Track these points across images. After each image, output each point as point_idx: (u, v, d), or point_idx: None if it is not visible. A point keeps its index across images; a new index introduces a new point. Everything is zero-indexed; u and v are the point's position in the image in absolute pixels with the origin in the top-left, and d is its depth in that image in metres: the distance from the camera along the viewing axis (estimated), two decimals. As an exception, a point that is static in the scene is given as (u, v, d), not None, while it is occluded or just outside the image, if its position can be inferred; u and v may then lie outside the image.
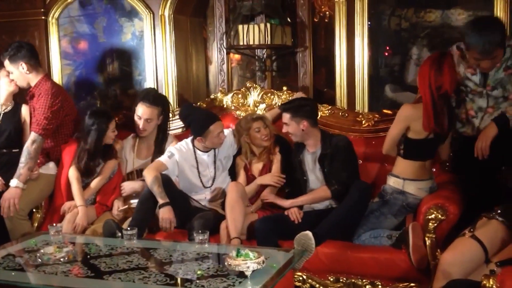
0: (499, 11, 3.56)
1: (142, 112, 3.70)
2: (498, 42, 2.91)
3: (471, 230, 2.53)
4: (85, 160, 3.62)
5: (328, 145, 3.41)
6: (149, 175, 3.40)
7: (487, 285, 1.95)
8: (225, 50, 4.54)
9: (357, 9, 3.97)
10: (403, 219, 3.27)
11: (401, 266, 2.97)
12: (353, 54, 4.03)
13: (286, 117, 3.44)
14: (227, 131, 3.70)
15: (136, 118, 3.74)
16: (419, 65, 3.98)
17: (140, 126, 3.72)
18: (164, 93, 4.26)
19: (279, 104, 3.90)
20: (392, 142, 3.25)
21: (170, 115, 3.98)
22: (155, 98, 3.78)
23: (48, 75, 4.00)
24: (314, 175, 3.48)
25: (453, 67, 3.09)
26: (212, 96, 4.19)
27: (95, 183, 3.66)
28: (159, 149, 3.76)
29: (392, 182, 3.25)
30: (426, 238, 2.96)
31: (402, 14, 4.05)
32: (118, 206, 3.62)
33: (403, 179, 3.21)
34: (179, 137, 3.89)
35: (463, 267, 2.41)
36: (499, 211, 2.59)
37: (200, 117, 3.58)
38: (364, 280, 3.10)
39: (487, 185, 3.08)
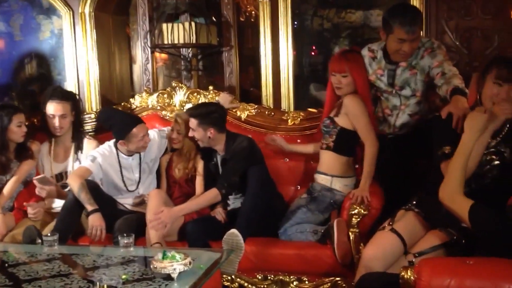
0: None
1: (54, 109, 3.58)
2: (419, 21, 3.06)
3: (390, 223, 2.63)
4: None
5: (231, 149, 3.38)
6: (74, 182, 3.28)
7: (405, 276, 2.02)
8: (149, 49, 4.46)
9: (280, 9, 4.02)
10: (328, 215, 3.34)
11: (326, 262, 3.03)
12: (278, 53, 4.08)
13: (193, 123, 3.34)
14: (153, 133, 3.63)
15: (49, 118, 3.61)
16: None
17: (56, 124, 3.59)
18: (86, 94, 4.17)
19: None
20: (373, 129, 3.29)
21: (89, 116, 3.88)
22: (63, 93, 3.68)
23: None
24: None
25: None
26: (131, 100, 4.12)
27: (9, 185, 3.45)
28: (77, 146, 3.67)
29: (321, 179, 3.30)
30: (350, 233, 3.04)
31: (324, 15, 4.15)
32: (31, 209, 3.43)
33: (331, 176, 3.27)
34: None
35: (384, 260, 2.49)
36: (414, 202, 2.70)
37: (122, 120, 3.49)
38: (291, 277, 3.14)
39: (403, 178, 3.22)
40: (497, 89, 2.42)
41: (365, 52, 3.31)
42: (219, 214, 3.30)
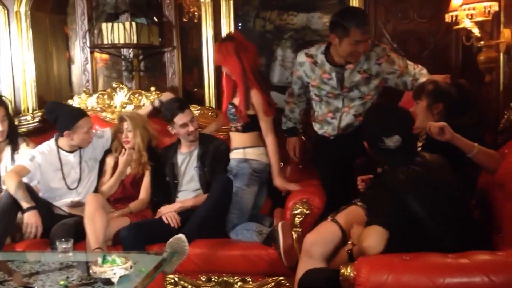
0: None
1: None
2: (369, 20, 3.17)
3: (333, 215, 2.70)
4: None
5: (208, 144, 3.45)
6: (11, 180, 3.18)
7: (345, 273, 2.06)
8: (88, 49, 4.35)
9: (223, 10, 4.02)
10: (262, 195, 3.43)
11: (270, 262, 3.05)
12: (220, 54, 4.07)
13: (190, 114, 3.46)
14: (94, 133, 3.58)
15: None
16: (283, 66, 4.16)
17: (0, 128, 3.51)
18: (22, 95, 4.07)
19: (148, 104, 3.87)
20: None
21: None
22: None
23: None
24: (188, 176, 3.46)
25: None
26: (70, 102, 4.02)
27: None
28: (13, 148, 3.58)
29: (234, 154, 3.39)
30: (293, 233, 3.07)
31: (266, 17, 4.18)
32: None
33: (242, 148, 3.37)
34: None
35: (324, 247, 2.57)
36: (358, 199, 2.77)
37: (69, 111, 3.49)
38: (235, 278, 3.14)
39: (346, 177, 3.28)
40: (414, 107, 2.83)
41: (302, 58, 3.29)
42: (171, 219, 3.25)
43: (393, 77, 3.21)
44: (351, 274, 2.05)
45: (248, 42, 3.42)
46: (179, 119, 3.37)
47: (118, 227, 3.18)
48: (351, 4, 3.90)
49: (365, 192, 2.79)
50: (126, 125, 3.52)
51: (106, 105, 3.96)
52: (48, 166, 3.42)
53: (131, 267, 2.31)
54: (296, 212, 3.09)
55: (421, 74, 3.18)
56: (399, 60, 3.22)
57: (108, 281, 2.28)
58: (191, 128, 3.40)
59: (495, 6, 3.16)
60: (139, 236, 3.09)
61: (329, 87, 3.27)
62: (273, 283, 3.11)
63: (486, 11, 3.16)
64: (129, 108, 3.92)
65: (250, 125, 3.37)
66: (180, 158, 3.49)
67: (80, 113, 3.47)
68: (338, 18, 3.07)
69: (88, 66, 4.39)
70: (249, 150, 3.36)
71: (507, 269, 1.97)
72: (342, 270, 2.07)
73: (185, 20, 4.30)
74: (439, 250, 2.13)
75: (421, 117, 2.78)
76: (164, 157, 3.53)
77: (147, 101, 3.91)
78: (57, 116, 3.45)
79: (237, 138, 3.42)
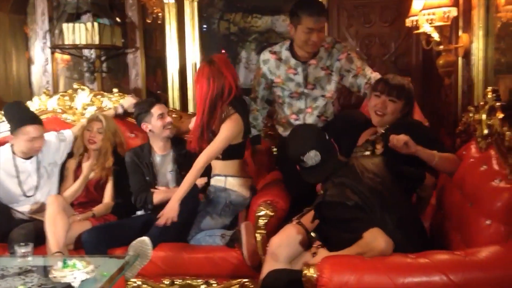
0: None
1: None
2: (325, 12, 3.18)
3: (298, 218, 2.72)
4: None
5: (181, 147, 3.41)
6: None
7: (308, 274, 2.07)
8: (49, 50, 4.27)
9: (186, 11, 4.01)
10: (233, 218, 3.34)
11: (234, 264, 3.04)
12: (184, 56, 4.06)
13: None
14: (50, 135, 3.47)
15: None
16: (248, 68, 4.16)
17: None
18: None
19: (112, 106, 3.81)
20: (216, 155, 3.18)
21: None
22: None
23: None
24: (164, 179, 3.42)
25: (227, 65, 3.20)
26: (29, 103, 3.90)
27: None
28: None
29: (215, 181, 3.28)
30: (257, 234, 3.06)
31: (230, 19, 4.19)
32: None
33: (224, 176, 3.26)
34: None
35: (289, 249, 2.56)
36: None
37: (18, 114, 3.31)
38: (199, 280, 3.12)
39: (306, 182, 3.31)
40: (375, 100, 2.79)
41: (266, 55, 3.31)
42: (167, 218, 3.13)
43: (349, 75, 3.25)
44: (314, 275, 2.06)
45: (229, 70, 3.18)
46: (158, 108, 3.34)
47: (80, 231, 3.12)
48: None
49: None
50: (99, 125, 3.44)
51: (67, 107, 3.89)
52: (3, 173, 3.31)
53: (92, 271, 2.28)
54: (260, 214, 3.08)
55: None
56: (358, 61, 3.27)
57: (68, 286, 2.23)
58: (168, 119, 3.36)
59: (453, 12, 3.24)
60: (101, 239, 3.03)
61: (294, 84, 3.29)
62: (237, 285, 3.10)
63: (445, 16, 3.23)
64: (91, 110, 3.86)
65: (232, 152, 3.24)
66: (157, 159, 3.44)
67: (28, 119, 3.27)
68: (293, 6, 3.16)
69: (49, 67, 4.31)
70: (231, 179, 3.24)
71: (465, 268, 2.02)
72: (305, 271, 2.08)
73: (149, 21, 4.27)
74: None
75: (393, 116, 2.75)
76: (137, 158, 3.44)
77: (110, 102, 3.85)
78: (9, 117, 3.32)
79: (218, 165, 3.28)
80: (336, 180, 2.46)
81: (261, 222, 3.07)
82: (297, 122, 3.35)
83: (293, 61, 3.25)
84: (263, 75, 3.35)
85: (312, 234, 2.58)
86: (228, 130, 3.11)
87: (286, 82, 3.30)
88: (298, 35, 3.13)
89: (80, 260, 2.30)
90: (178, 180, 3.36)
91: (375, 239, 2.14)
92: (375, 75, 3.21)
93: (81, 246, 3.07)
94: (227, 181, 3.25)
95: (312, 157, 2.45)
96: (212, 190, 3.27)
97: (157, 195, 3.28)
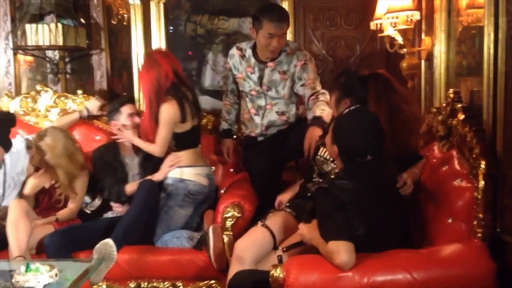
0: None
1: None
2: (287, 18, 3.20)
3: (263, 220, 2.73)
4: None
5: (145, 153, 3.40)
6: None
7: (275, 274, 2.09)
8: (11, 51, 4.18)
9: (153, 13, 3.98)
10: (199, 214, 3.35)
11: (201, 266, 3.04)
12: (150, 58, 4.03)
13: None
14: (19, 143, 3.37)
15: None
16: (215, 70, 4.17)
17: None
18: None
19: (75, 108, 3.77)
20: (166, 143, 3.28)
21: None
22: None
23: None
24: (132, 179, 3.42)
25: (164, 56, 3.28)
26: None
27: None
28: None
29: (171, 173, 3.30)
30: (224, 236, 3.06)
31: (197, 21, 4.18)
32: None
33: (180, 167, 3.29)
34: None
35: (255, 251, 2.57)
36: (287, 204, 2.82)
37: None
38: (165, 283, 3.10)
39: (276, 181, 3.33)
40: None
41: (233, 51, 3.43)
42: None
43: (299, 83, 3.30)
44: (281, 275, 2.08)
45: (165, 58, 3.25)
46: (128, 108, 3.41)
47: (42, 235, 3.06)
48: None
49: (294, 200, 2.84)
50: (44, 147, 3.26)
51: (30, 109, 3.82)
52: None
53: (56, 275, 2.25)
54: (227, 215, 3.09)
55: (319, 98, 3.19)
56: (312, 73, 3.31)
57: (31, 291, 2.19)
58: (137, 120, 3.39)
59: (416, 15, 3.30)
60: (64, 243, 2.99)
61: (252, 82, 3.36)
62: (204, 287, 3.10)
63: (408, 19, 3.29)
64: (55, 112, 3.79)
65: (184, 141, 3.31)
66: (126, 159, 3.45)
67: None
68: (256, 11, 3.23)
69: (11, 68, 4.21)
70: (187, 169, 3.28)
71: (427, 266, 2.06)
72: (272, 271, 2.10)
73: (114, 23, 4.21)
74: None
75: (335, 108, 2.74)
76: (107, 155, 3.44)
77: (74, 104, 3.80)
78: None
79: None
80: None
81: (228, 223, 3.08)
82: (257, 117, 3.41)
83: (253, 60, 3.35)
84: (230, 69, 3.47)
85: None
86: (162, 116, 3.19)
87: (246, 79, 3.39)
88: (259, 39, 3.21)
89: (44, 264, 2.26)
90: None
91: (337, 252, 2.04)
92: (322, 93, 3.23)
93: (43, 251, 3.02)
94: (183, 171, 3.28)
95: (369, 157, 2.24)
96: (170, 183, 3.29)
97: (131, 187, 3.30)
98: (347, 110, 2.57)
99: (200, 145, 3.44)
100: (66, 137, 3.35)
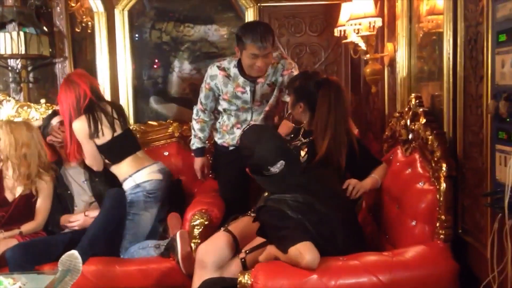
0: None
1: None
2: (270, 37, 3.08)
3: (226, 225, 2.73)
4: None
5: None
6: None
7: (243, 281, 2.09)
8: (-28, 60, 4.09)
9: (117, 20, 3.95)
10: (162, 215, 3.34)
11: (168, 274, 3.01)
12: (115, 66, 4.01)
13: None
14: None
15: None
16: (181, 77, 4.15)
17: None
18: None
19: (40, 117, 3.74)
20: (94, 155, 3.32)
21: None
22: None
23: None
24: (80, 188, 3.39)
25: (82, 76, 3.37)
26: None
27: None
28: None
29: (125, 185, 3.31)
30: (192, 244, 3.05)
31: (162, 28, 4.16)
32: None
33: (129, 176, 3.31)
34: None
35: (216, 256, 2.56)
36: (252, 210, 2.82)
37: None
38: (133, 293, 3.07)
39: (244, 188, 3.33)
40: None
41: (215, 71, 3.27)
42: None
43: (285, 92, 3.26)
44: (249, 282, 2.08)
45: (82, 78, 3.36)
46: (57, 117, 3.45)
47: (4, 248, 2.98)
48: (246, 19, 4.00)
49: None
50: None
51: (-8, 118, 3.74)
52: None
53: (19, 288, 2.20)
54: (195, 223, 3.08)
55: None
56: None
57: (-7, 305, 2.15)
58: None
59: (379, 22, 3.35)
60: (27, 255, 2.93)
61: (241, 101, 3.27)
62: (172, 295, 3.08)
63: (371, 26, 3.34)
64: (18, 120, 3.71)
65: (116, 153, 3.34)
66: (69, 171, 3.42)
67: None
68: (238, 31, 3.14)
69: (-28, 78, 4.12)
70: (137, 175, 3.29)
71: (392, 268, 2.10)
72: (240, 278, 2.10)
73: (78, 30, 4.16)
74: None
75: (294, 112, 2.87)
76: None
77: (37, 113, 3.75)
78: None
79: (119, 172, 3.35)
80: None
81: (196, 231, 3.07)
82: (238, 131, 3.34)
83: (241, 80, 3.22)
84: (211, 89, 3.31)
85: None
86: (76, 133, 3.28)
87: (232, 99, 3.27)
88: (244, 60, 3.13)
89: (7, 277, 2.21)
90: (94, 188, 3.40)
91: (300, 254, 2.08)
92: None
93: (5, 264, 2.94)
94: (135, 178, 3.30)
95: (279, 166, 2.41)
96: (128, 193, 3.29)
97: (65, 219, 3.31)
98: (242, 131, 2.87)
99: (141, 149, 3.45)
100: (19, 131, 3.30)
